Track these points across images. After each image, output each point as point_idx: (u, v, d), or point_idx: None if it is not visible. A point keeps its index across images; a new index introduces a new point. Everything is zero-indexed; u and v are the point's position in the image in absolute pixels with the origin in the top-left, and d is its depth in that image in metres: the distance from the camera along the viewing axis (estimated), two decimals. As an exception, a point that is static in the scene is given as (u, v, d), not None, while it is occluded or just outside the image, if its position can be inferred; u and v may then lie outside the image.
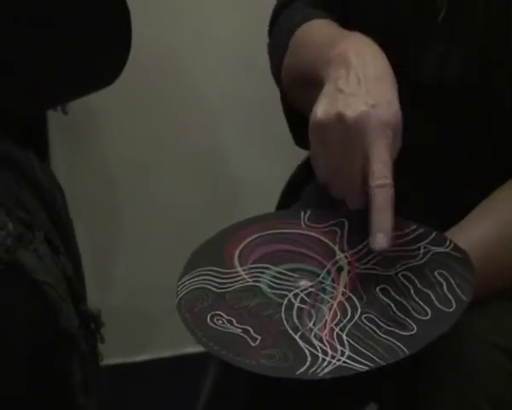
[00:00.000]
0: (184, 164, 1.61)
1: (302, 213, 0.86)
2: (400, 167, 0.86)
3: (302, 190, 1.05)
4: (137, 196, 1.61)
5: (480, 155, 0.88)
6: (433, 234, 0.80)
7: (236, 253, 0.82)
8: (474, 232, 0.81)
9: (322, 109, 0.75)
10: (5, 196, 0.92)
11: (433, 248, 0.79)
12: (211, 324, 0.74)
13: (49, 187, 0.99)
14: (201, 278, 0.79)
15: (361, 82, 0.76)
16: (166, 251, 1.55)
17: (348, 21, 0.92)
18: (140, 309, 1.65)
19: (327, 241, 0.82)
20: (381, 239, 0.73)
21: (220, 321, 0.74)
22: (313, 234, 0.84)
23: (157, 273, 1.60)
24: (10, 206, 0.91)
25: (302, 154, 1.02)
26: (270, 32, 1.01)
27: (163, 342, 1.67)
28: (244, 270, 0.80)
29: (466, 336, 0.79)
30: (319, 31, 0.90)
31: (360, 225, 0.83)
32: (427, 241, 0.80)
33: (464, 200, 0.84)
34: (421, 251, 0.79)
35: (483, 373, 0.78)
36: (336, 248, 0.81)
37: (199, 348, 1.55)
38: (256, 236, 0.83)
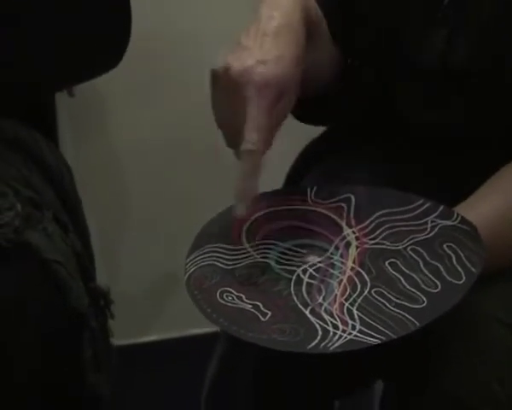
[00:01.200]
0: (192, 147, 1.60)
1: (308, 190, 0.86)
2: (401, 153, 0.85)
3: (307, 172, 1.05)
4: (145, 179, 1.61)
5: (480, 140, 0.89)
6: (441, 208, 0.81)
7: (244, 229, 0.82)
8: (480, 210, 0.82)
9: (220, 59, 0.75)
10: (13, 177, 0.92)
11: (441, 221, 0.79)
12: (220, 300, 0.74)
13: (57, 167, 1.00)
14: (209, 255, 0.79)
15: (258, 35, 0.74)
16: (173, 233, 1.55)
17: (348, 5, 0.92)
18: (147, 291, 1.65)
19: (334, 216, 0.82)
20: (241, 208, 0.75)
21: (230, 297, 0.74)
22: (320, 210, 0.83)
23: (163, 255, 1.60)
24: (18, 186, 0.91)
25: (310, 129, 1.02)
26: None
27: (170, 324, 1.67)
28: (252, 247, 0.80)
29: (475, 314, 0.79)
30: None
31: (367, 200, 0.83)
32: (434, 215, 0.80)
33: (464, 185, 0.84)
34: (429, 225, 0.79)
35: (495, 351, 0.79)
36: (343, 223, 0.81)
37: (205, 329, 1.55)
38: (263, 212, 0.83)
